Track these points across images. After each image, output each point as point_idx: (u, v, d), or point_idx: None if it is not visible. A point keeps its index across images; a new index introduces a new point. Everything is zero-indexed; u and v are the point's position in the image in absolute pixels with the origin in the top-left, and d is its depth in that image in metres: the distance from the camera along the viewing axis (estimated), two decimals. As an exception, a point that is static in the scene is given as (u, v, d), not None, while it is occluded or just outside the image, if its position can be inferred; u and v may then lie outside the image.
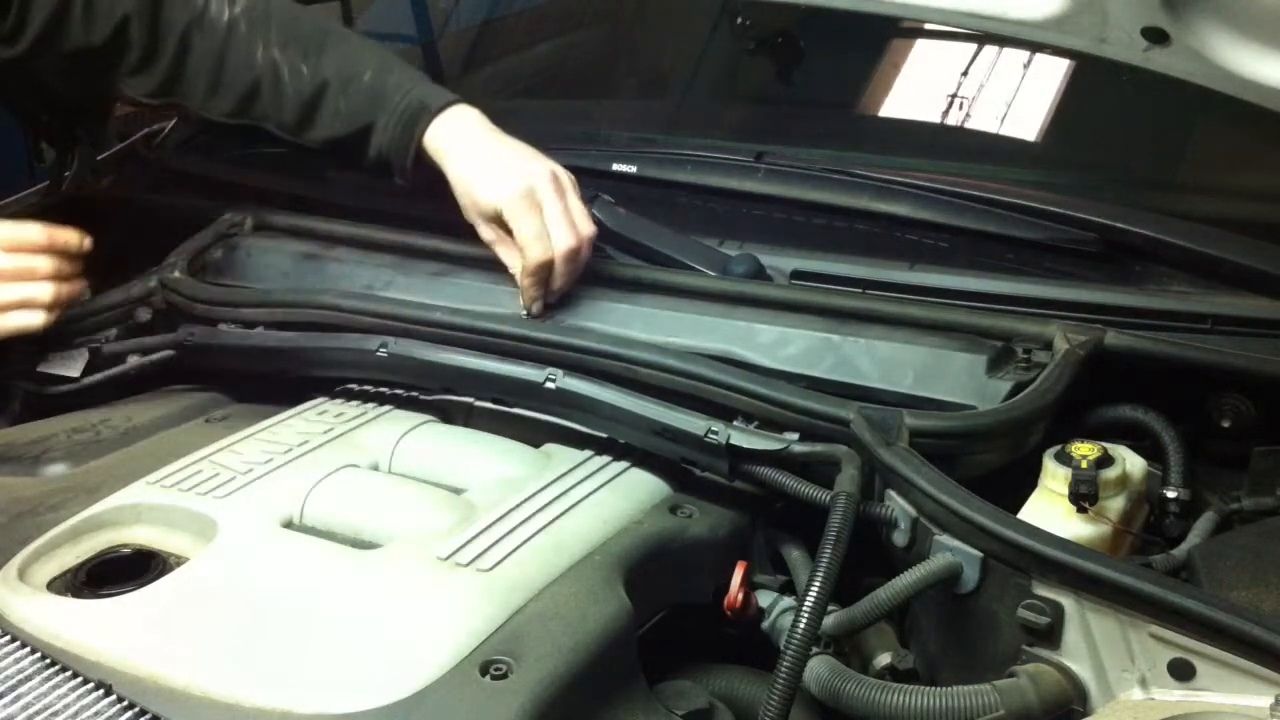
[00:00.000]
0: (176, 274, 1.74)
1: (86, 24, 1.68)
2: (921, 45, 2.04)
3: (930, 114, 1.97)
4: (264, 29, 1.70)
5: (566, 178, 1.56)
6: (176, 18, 1.70)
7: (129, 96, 1.76)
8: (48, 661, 1.09)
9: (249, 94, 1.70)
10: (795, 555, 1.31)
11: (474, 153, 1.58)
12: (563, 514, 1.27)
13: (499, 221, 1.54)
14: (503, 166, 1.55)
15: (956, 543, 1.15)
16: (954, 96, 1.91)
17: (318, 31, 1.72)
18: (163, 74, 1.71)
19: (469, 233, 1.65)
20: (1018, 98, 1.87)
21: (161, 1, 1.70)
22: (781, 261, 1.62)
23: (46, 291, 1.56)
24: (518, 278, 1.54)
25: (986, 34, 1.78)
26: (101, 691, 1.04)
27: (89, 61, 1.72)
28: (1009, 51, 1.88)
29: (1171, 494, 1.31)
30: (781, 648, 1.07)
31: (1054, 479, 1.24)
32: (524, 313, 1.56)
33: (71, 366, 1.68)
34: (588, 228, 1.55)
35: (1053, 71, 1.86)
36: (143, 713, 1.03)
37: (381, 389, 1.56)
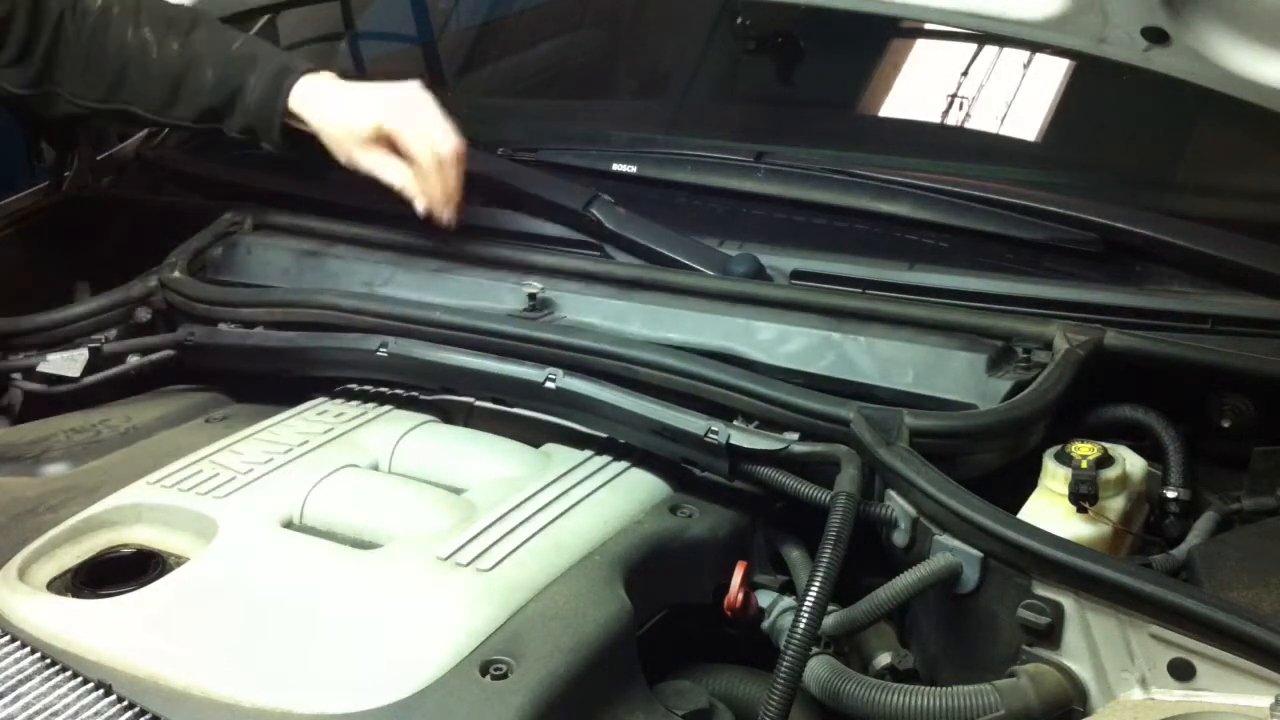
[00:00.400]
0: (176, 274, 1.74)
1: None
2: (921, 45, 2.03)
3: (930, 114, 1.96)
4: (135, 12, 1.72)
5: (422, 93, 1.65)
6: (53, 6, 1.71)
7: (6, 91, 1.74)
8: (48, 661, 1.09)
9: (118, 77, 1.70)
10: (795, 555, 1.31)
11: (340, 92, 1.66)
12: (563, 514, 1.27)
13: (380, 140, 1.61)
14: (372, 90, 1.65)
15: (956, 543, 1.15)
16: (954, 96, 1.90)
17: (190, 15, 1.76)
18: (38, 63, 1.71)
19: (468, 231, 1.66)
20: (1018, 98, 1.87)
21: None
22: (781, 261, 1.62)
23: None
24: (412, 186, 1.62)
25: (986, 34, 1.78)
26: (101, 691, 1.04)
27: None
28: (1009, 51, 1.87)
29: (1171, 494, 1.32)
30: (781, 648, 1.07)
31: (1054, 479, 1.24)
32: (433, 218, 1.63)
33: (71, 366, 1.68)
34: (450, 139, 1.62)
35: (1053, 71, 1.86)
36: (143, 713, 1.03)
37: (381, 389, 1.56)
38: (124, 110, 1.74)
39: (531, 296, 1.56)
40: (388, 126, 1.61)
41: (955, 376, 1.37)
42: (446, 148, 1.61)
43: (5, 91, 1.73)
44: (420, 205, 1.64)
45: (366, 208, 1.85)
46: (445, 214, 1.64)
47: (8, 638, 1.12)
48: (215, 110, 1.70)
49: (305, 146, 1.68)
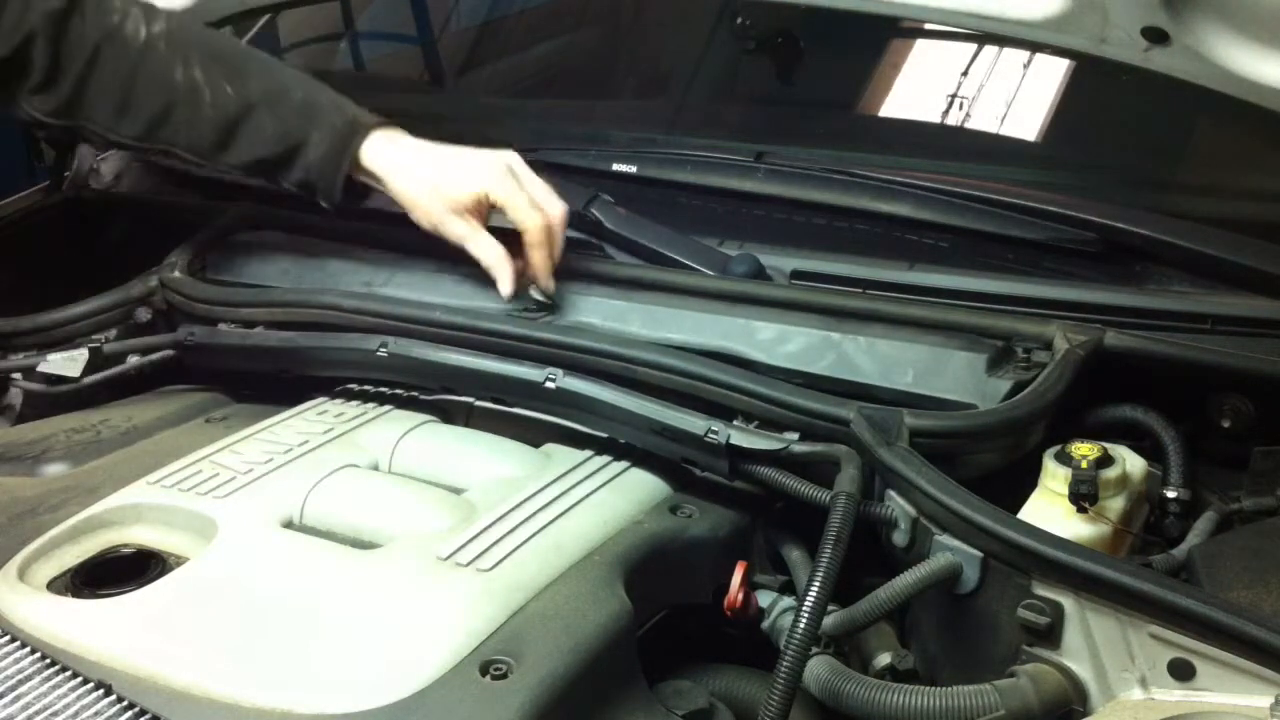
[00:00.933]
0: (176, 274, 1.74)
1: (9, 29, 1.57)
2: (921, 45, 2.04)
3: (930, 114, 1.97)
4: (184, 49, 1.61)
5: (519, 163, 1.57)
6: (87, 35, 1.60)
7: (31, 117, 1.65)
8: (48, 661, 1.08)
9: (161, 116, 1.61)
10: (795, 555, 1.31)
11: (424, 156, 1.57)
12: (563, 514, 1.27)
13: (474, 211, 1.53)
14: (467, 157, 1.56)
15: (956, 543, 1.15)
16: (954, 96, 1.91)
17: (240, 53, 1.67)
18: (68, 92, 1.60)
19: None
20: (1018, 98, 1.87)
21: (71, 17, 1.59)
22: (781, 261, 1.62)
23: None
24: (499, 266, 1.53)
25: (986, 34, 1.78)
26: (101, 691, 1.04)
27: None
28: (1009, 51, 1.88)
29: (1171, 494, 1.32)
30: (781, 648, 1.07)
31: (1054, 479, 1.24)
32: (538, 295, 1.55)
33: (71, 366, 1.68)
34: (557, 205, 1.56)
35: (1053, 71, 1.86)
36: (143, 713, 1.03)
37: (381, 389, 1.56)
38: (165, 150, 1.64)
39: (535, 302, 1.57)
40: (496, 196, 1.53)
41: (955, 376, 1.37)
42: (556, 217, 1.53)
43: (31, 116, 1.64)
44: (506, 288, 1.54)
45: (366, 208, 1.86)
46: (547, 285, 1.54)
47: (8, 638, 1.12)
48: (271, 163, 1.60)
49: (359, 200, 1.61)
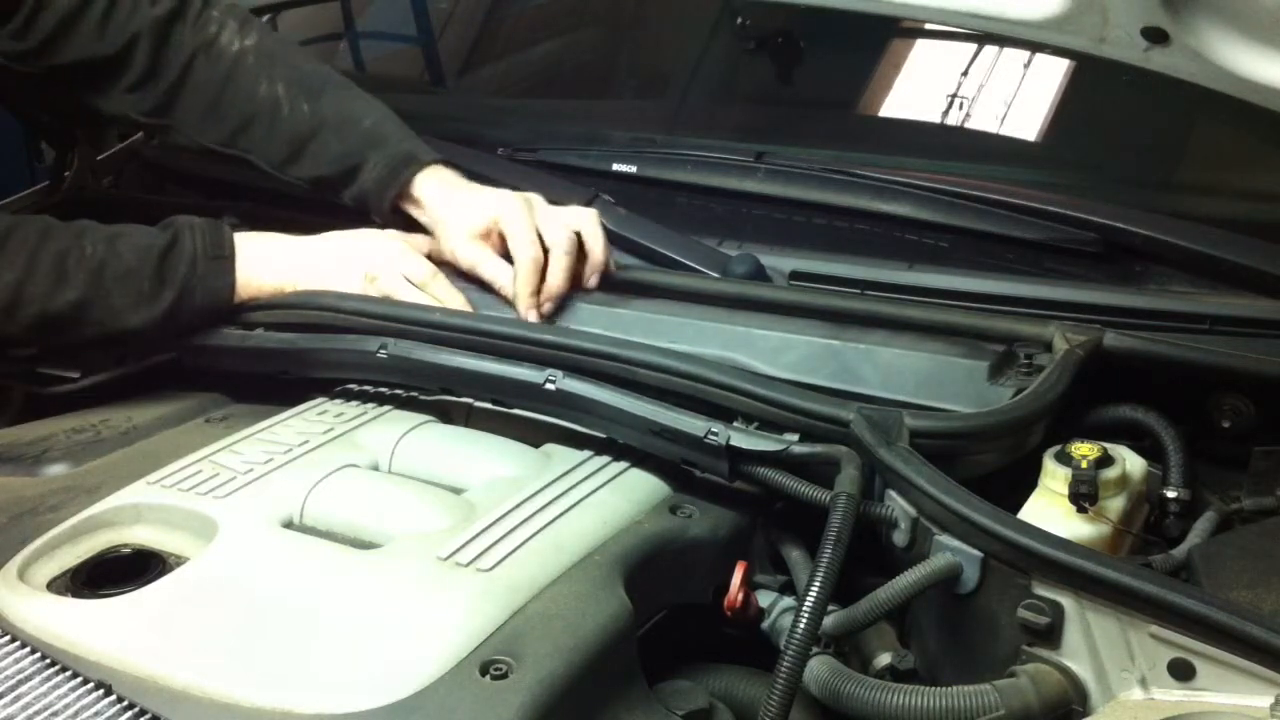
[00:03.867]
0: (177, 274, 1.73)
1: (99, 32, 1.69)
2: (921, 45, 2.04)
3: (930, 114, 1.97)
4: (269, 65, 1.72)
5: (540, 199, 1.64)
6: (187, 41, 1.72)
7: (122, 113, 1.76)
8: (48, 661, 1.08)
9: (243, 125, 1.72)
10: (795, 555, 1.31)
11: (458, 189, 1.67)
12: (563, 514, 1.27)
13: (485, 238, 1.61)
14: (490, 191, 1.65)
15: (956, 543, 1.15)
16: (954, 96, 1.91)
17: (320, 76, 1.76)
18: (161, 94, 1.72)
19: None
20: (1018, 98, 1.87)
21: (174, 22, 1.71)
22: (781, 261, 1.62)
23: None
24: (508, 285, 1.59)
25: (986, 34, 1.78)
26: (101, 691, 1.04)
27: (91, 71, 1.72)
28: (1009, 51, 1.88)
29: (1171, 494, 1.32)
30: (781, 648, 1.07)
31: (1054, 479, 1.24)
32: (518, 310, 1.58)
33: (73, 367, 1.68)
34: (580, 223, 1.60)
35: (1053, 71, 1.86)
36: (143, 713, 1.03)
37: (381, 389, 1.56)
38: (241, 157, 1.75)
39: None
40: (504, 223, 1.60)
41: (956, 385, 1.37)
42: (559, 245, 1.57)
43: (123, 114, 1.75)
44: (515, 304, 1.59)
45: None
46: (525, 313, 1.58)
47: (8, 638, 1.12)
48: (332, 180, 1.71)
49: (407, 221, 1.69)
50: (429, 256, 1.64)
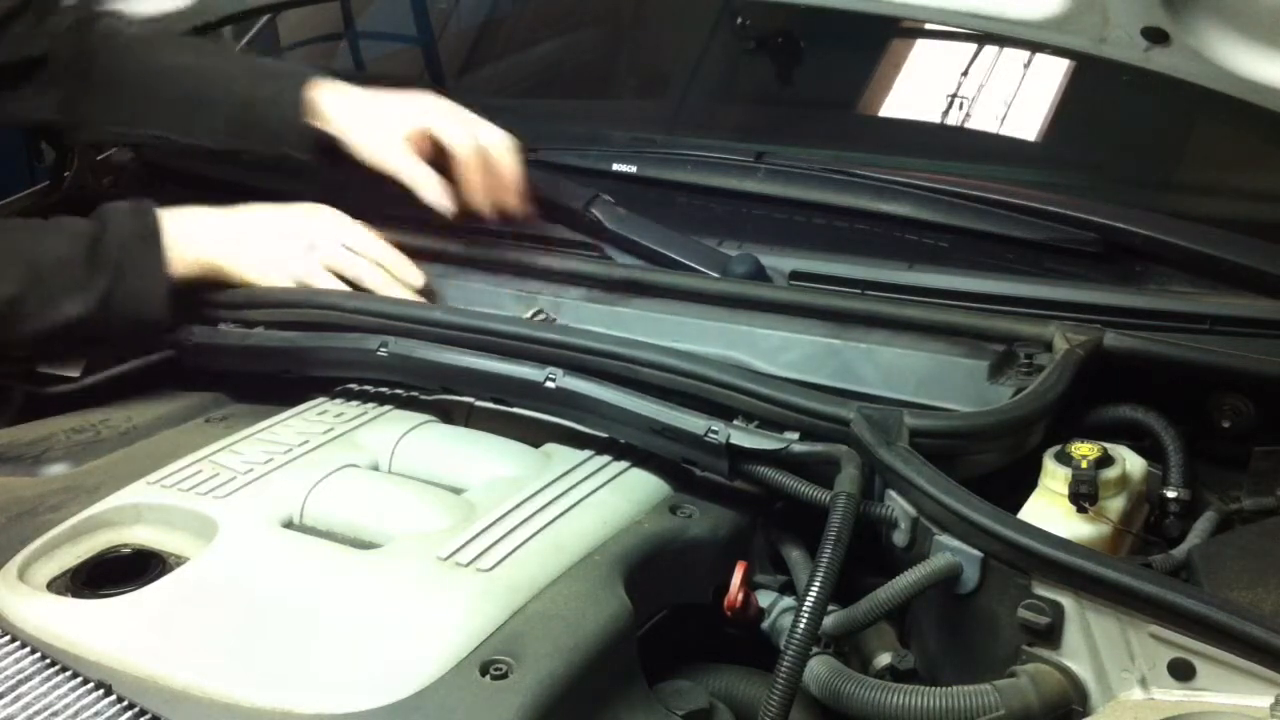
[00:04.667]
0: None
1: (30, 36, 1.73)
2: (921, 45, 2.03)
3: (930, 114, 1.97)
4: (157, 39, 1.80)
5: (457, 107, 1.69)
6: (88, 38, 1.76)
7: (31, 118, 1.81)
8: (48, 661, 1.09)
9: (145, 101, 1.75)
10: (795, 555, 1.31)
11: (370, 96, 1.68)
12: (563, 514, 1.27)
13: (414, 143, 1.63)
14: (411, 96, 1.68)
15: (956, 543, 1.15)
16: (954, 96, 1.91)
17: (208, 41, 1.86)
18: (66, 91, 1.75)
19: (469, 233, 1.65)
20: (1018, 98, 1.87)
21: (76, 29, 1.76)
22: (781, 261, 1.62)
23: None
24: (435, 192, 1.62)
25: (986, 34, 1.78)
26: (101, 691, 1.04)
27: (10, 74, 1.75)
28: (1009, 51, 1.88)
29: (1171, 494, 1.32)
30: (781, 648, 1.07)
31: (1054, 479, 1.24)
32: (452, 210, 1.63)
33: (72, 366, 1.68)
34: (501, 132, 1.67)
35: (1053, 71, 1.86)
36: (143, 713, 1.03)
37: (381, 389, 1.56)
38: (153, 134, 1.78)
39: (537, 312, 1.57)
40: (434, 126, 1.62)
41: (957, 385, 1.37)
42: (493, 143, 1.63)
43: (29, 119, 1.80)
44: (446, 206, 1.63)
45: (367, 209, 1.86)
46: (482, 207, 1.63)
47: (8, 638, 1.12)
48: (241, 123, 1.70)
49: (335, 157, 1.68)
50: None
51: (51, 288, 1.51)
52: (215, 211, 1.63)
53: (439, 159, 1.65)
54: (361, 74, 2.55)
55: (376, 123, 1.64)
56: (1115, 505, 1.24)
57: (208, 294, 1.64)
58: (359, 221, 1.65)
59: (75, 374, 1.68)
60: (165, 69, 1.75)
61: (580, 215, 1.72)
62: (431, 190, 1.63)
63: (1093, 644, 1.09)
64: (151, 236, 1.56)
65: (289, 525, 1.28)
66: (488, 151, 1.63)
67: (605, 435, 1.42)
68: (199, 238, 1.59)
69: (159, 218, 1.57)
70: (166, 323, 1.58)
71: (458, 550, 1.19)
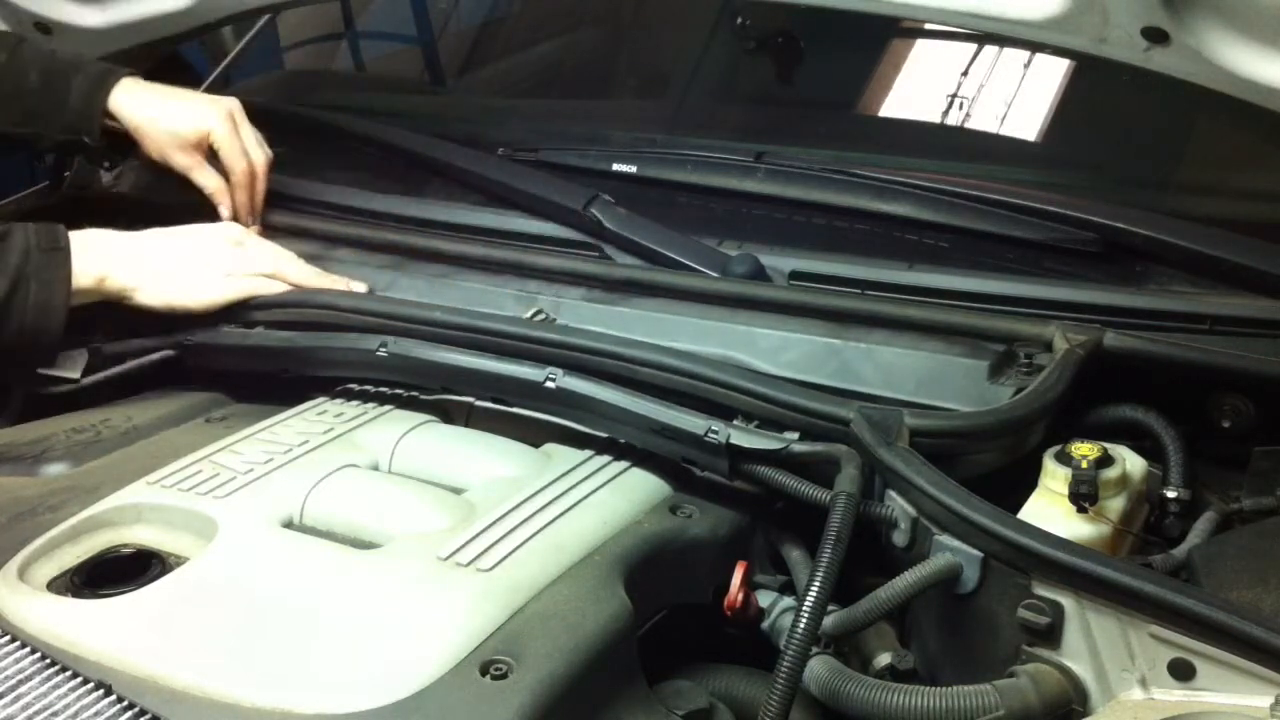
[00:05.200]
0: (176, 274, 1.73)
1: None
2: (921, 45, 2.03)
3: (930, 114, 1.97)
4: None
5: (240, 111, 1.82)
6: None
7: None
8: (48, 661, 1.08)
9: None
10: (795, 555, 1.31)
11: (162, 97, 1.80)
12: (563, 514, 1.27)
13: (197, 147, 1.78)
14: (196, 100, 1.84)
15: (956, 543, 1.15)
16: (954, 96, 1.90)
17: (11, 35, 1.87)
18: None
19: (469, 233, 1.65)
20: (1018, 98, 1.87)
21: None
22: (781, 261, 1.62)
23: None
24: (219, 195, 1.79)
25: (986, 34, 1.78)
26: (101, 691, 1.04)
27: None
28: (1009, 51, 1.87)
29: (1171, 494, 1.32)
30: (781, 648, 1.07)
31: (1054, 479, 1.24)
32: (240, 221, 1.79)
33: (71, 366, 1.67)
34: (264, 152, 1.82)
35: (1053, 71, 1.86)
36: (143, 713, 1.03)
37: (381, 389, 1.56)
38: None
39: (537, 312, 1.57)
40: (215, 138, 1.77)
41: (957, 384, 1.37)
42: (260, 164, 1.80)
43: None
44: (225, 212, 1.80)
45: (367, 209, 1.86)
46: (246, 220, 1.80)
47: (8, 638, 1.12)
48: (38, 112, 1.78)
49: (125, 149, 1.83)
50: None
51: None
52: (126, 235, 1.66)
53: (215, 160, 1.80)
54: (362, 74, 2.56)
55: (166, 122, 1.77)
56: (1115, 505, 1.24)
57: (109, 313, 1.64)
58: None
59: (75, 374, 1.67)
60: None
61: (580, 215, 1.72)
62: (221, 195, 1.79)
63: (1093, 644, 1.09)
64: (58, 250, 1.55)
65: (289, 525, 1.28)
66: (255, 176, 1.79)
67: (605, 435, 1.42)
68: (106, 258, 1.60)
69: (66, 235, 1.57)
70: (59, 340, 1.55)
71: (458, 550, 1.19)
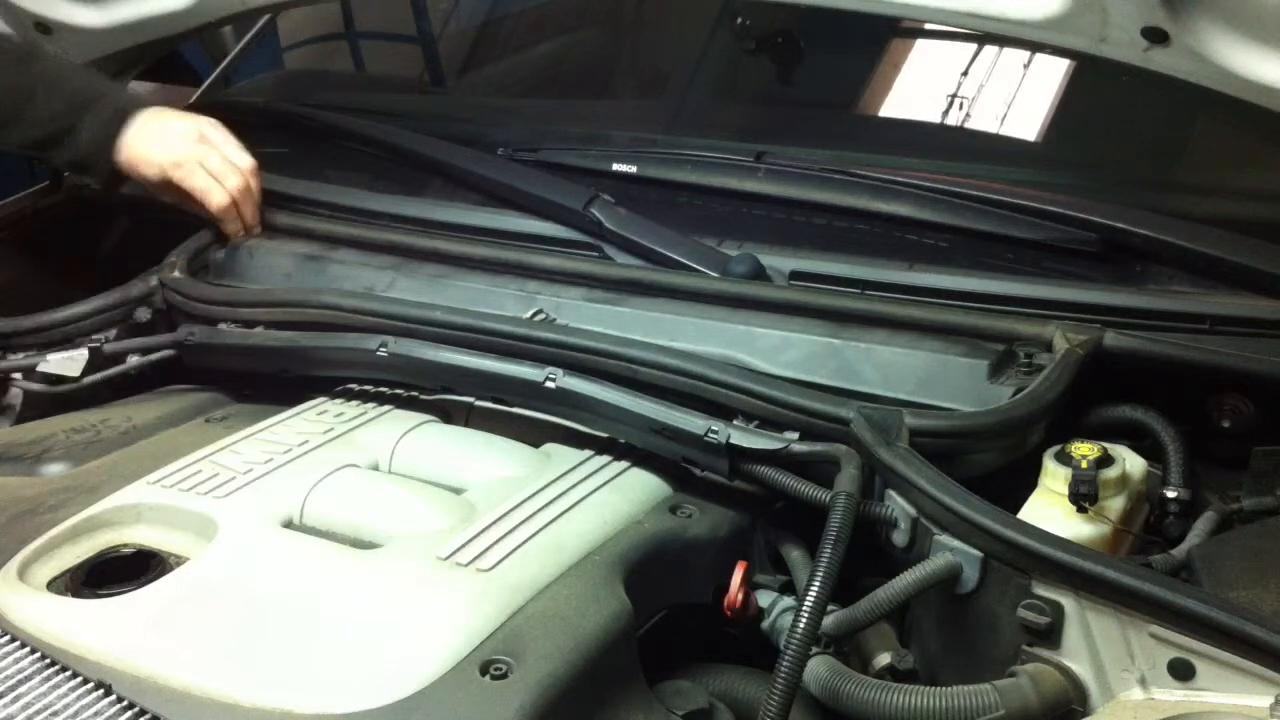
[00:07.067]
0: (176, 274, 1.74)
1: None
2: (921, 45, 2.03)
3: (930, 114, 1.96)
4: None
5: (212, 128, 1.83)
6: None
7: None
8: (48, 661, 1.09)
9: None
10: (795, 555, 1.31)
11: (147, 139, 1.80)
12: (563, 514, 1.27)
13: (192, 168, 1.79)
14: (166, 136, 1.81)
15: (956, 543, 1.15)
16: (954, 96, 1.90)
17: (26, 46, 1.87)
18: None
19: (469, 233, 1.65)
20: (1018, 98, 1.87)
21: None
22: (781, 261, 1.62)
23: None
24: (217, 216, 1.81)
25: (986, 34, 1.77)
26: (101, 691, 1.04)
27: None
28: (1009, 51, 1.87)
29: (1171, 494, 1.32)
30: (781, 648, 1.07)
31: (1054, 479, 1.24)
32: (245, 228, 1.83)
33: (71, 366, 1.68)
34: (246, 160, 1.83)
35: (1053, 71, 1.86)
36: (143, 713, 1.03)
37: (381, 389, 1.56)
38: None
39: (537, 312, 1.57)
40: (176, 179, 1.78)
41: (956, 384, 1.37)
42: (247, 173, 1.81)
43: None
44: (231, 229, 1.82)
45: (367, 209, 1.86)
46: (253, 229, 1.84)
47: (8, 638, 1.12)
48: (46, 141, 1.80)
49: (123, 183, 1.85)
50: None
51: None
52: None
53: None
54: (362, 74, 2.56)
55: (150, 169, 1.79)
56: (1115, 505, 1.24)
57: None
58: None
59: (75, 374, 1.68)
60: None
61: (580, 215, 1.72)
62: (207, 214, 1.81)
63: (1093, 644, 1.09)
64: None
65: (289, 525, 1.28)
66: (243, 180, 1.81)
67: (605, 435, 1.42)
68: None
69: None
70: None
71: (458, 550, 1.19)
